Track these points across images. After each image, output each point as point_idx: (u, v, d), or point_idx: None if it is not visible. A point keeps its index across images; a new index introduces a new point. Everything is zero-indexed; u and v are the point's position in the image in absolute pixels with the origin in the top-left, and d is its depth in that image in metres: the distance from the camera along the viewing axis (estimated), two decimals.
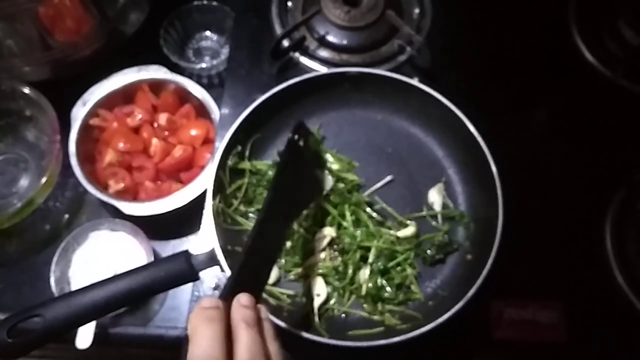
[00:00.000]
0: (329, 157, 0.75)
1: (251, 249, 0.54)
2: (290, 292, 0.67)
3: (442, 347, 0.65)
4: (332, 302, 0.67)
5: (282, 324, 0.60)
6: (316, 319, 0.65)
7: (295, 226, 0.70)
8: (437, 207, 0.72)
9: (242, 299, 0.48)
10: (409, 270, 0.68)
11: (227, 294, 0.48)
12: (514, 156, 0.72)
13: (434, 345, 0.63)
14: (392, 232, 0.70)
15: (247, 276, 0.52)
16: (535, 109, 0.84)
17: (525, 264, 0.70)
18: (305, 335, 0.60)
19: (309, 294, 0.67)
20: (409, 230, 0.70)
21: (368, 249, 0.68)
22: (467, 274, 0.65)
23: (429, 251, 0.69)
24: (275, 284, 0.68)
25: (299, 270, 0.69)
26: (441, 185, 0.74)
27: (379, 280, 0.67)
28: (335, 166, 0.74)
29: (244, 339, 0.44)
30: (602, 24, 0.86)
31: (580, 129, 0.82)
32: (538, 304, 0.68)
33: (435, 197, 0.73)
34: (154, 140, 0.82)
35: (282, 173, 0.63)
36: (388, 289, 0.67)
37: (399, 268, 0.68)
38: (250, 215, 0.72)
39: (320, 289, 0.67)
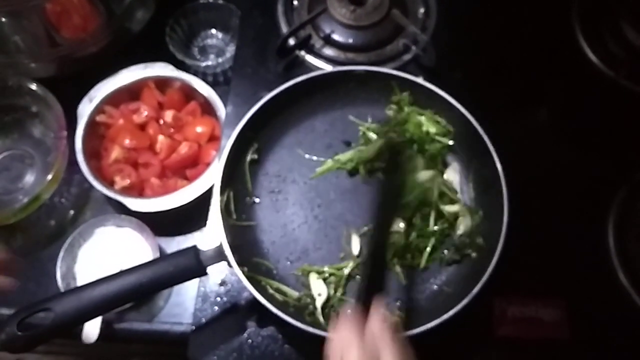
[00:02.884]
0: (423, 119, 0.74)
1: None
2: (295, 293, 0.68)
3: (446, 344, 0.65)
4: (335, 298, 0.67)
5: (288, 319, 0.61)
6: (321, 318, 0.65)
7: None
8: (457, 186, 0.73)
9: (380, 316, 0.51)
10: None
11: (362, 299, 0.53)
12: (517, 154, 0.72)
13: (438, 341, 0.63)
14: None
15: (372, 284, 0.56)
16: (539, 108, 0.84)
17: (529, 262, 0.70)
18: (311, 330, 0.60)
19: (311, 294, 0.68)
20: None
21: None
22: (472, 272, 0.66)
23: (446, 251, 0.70)
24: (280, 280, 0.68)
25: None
26: (456, 165, 0.74)
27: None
28: (432, 129, 0.74)
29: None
30: (605, 24, 0.86)
31: (582, 128, 0.83)
32: (541, 301, 0.68)
33: (451, 175, 0.74)
34: (160, 137, 0.82)
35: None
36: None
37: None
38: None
39: (320, 289, 0.68)
